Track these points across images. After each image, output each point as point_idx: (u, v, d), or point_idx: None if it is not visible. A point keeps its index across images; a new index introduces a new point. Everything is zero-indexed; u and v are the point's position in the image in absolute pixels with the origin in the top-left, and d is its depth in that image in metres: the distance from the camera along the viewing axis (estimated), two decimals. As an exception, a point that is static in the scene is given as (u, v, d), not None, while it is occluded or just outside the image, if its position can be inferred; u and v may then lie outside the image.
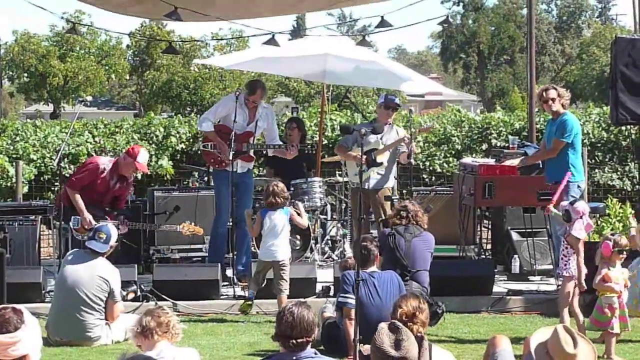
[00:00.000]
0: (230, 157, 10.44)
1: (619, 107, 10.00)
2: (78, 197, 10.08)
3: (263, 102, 10.83)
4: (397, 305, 5.76)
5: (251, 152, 10.78)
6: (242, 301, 9.48)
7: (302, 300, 5.63)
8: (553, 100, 10.07)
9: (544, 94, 10.15)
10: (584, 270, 8.19)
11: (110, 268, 8.56)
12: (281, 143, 11.24)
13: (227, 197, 10.65)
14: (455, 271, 9.95)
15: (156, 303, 9.17)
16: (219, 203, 10.83)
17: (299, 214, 9.56)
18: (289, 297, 9.04)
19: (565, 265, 8.19)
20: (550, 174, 10.19)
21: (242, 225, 10.39)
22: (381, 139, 10.64)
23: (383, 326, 5.00)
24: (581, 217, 8.10)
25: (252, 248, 10.89)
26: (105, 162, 10.36)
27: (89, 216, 9.96)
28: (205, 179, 12.70)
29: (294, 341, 4.95)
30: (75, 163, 14.57)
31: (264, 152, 11.72)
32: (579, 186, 10.15)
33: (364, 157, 10.18)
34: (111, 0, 10.23)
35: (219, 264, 10.13)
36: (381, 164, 10.60)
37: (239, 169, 10.70)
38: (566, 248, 8.20)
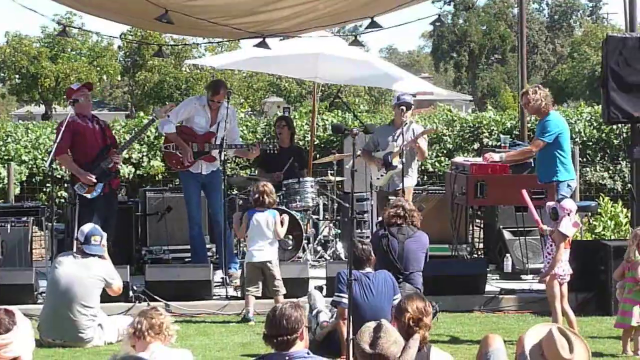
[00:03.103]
0: (193, 158, 10.56)
1: (610, 106, 10.00)
2: (69, 159, 10.14)
3: (225, 102, 10.80)
4: (404, 308, 5.38)
5: (214, 153, 10.66)
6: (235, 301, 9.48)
7: (294, 300, 5.59)
8: (527, 104, 10.17)
9: (522, 98, 10.33)
10: (569, 271, 8.19)
11: (102, 266, 8.53)
12: (242, 143, 11.23)
13: (195, 199, 10.75)
14: (447, 270, 9.93)
15: (149, 304, 9.16)
16: (188, 206, 10.82)
17: (282, 224, 9.46)
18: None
19: (549, 263, 8.19)
20: (540, 174, 10.21)
21: (217, 225, 10.53)
22: (396, 140, 10.64)
23: (370, 324, 4.99)
24: (568, 215, 8.08)
25: (244, 249, 10.89)
26: (69, 116, 10.18)
27: (86, 173, 10.03)
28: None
29: (274, 339, 4.90)
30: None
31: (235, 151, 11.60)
32: (568, 185, 10.16)
33: (382, 160, 10.37)
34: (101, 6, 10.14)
35: (211, 265, 10.12)
36: (396, 167, 10.57)
37: (203, 170, 10.71)
38: (551, 246, 8.20)
